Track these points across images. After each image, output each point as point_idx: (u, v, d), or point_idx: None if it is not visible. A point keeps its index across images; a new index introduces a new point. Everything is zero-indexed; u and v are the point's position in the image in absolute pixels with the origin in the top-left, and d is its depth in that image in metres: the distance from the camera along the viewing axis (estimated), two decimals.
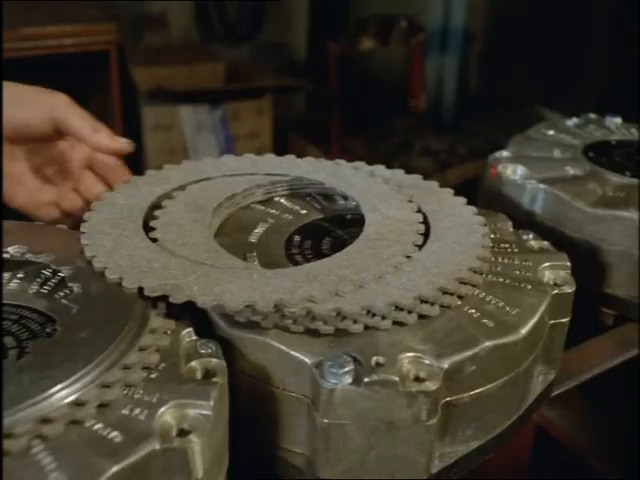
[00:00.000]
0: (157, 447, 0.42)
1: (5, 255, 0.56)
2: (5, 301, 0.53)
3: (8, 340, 0.49)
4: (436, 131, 2.93)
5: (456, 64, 3.17)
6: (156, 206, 0.64)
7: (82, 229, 0.59)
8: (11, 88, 0.66)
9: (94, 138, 0.65)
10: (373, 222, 0.62)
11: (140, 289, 0.51)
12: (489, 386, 0.54)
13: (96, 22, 2.05)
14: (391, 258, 0.57)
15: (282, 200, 0.70)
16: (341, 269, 0.55)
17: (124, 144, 0.66)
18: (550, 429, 0.86)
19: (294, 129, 2.79)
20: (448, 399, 0.52)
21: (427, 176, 0.72)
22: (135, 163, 2.43)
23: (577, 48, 2.64)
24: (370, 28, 2.69)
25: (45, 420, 0.41)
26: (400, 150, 2.70)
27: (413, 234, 0.60)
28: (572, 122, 0.98)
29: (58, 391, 0.42)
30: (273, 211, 0.68)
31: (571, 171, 0.83)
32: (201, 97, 2.46)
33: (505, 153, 0.88)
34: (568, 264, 0.63)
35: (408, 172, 0.72)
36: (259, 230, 0.65)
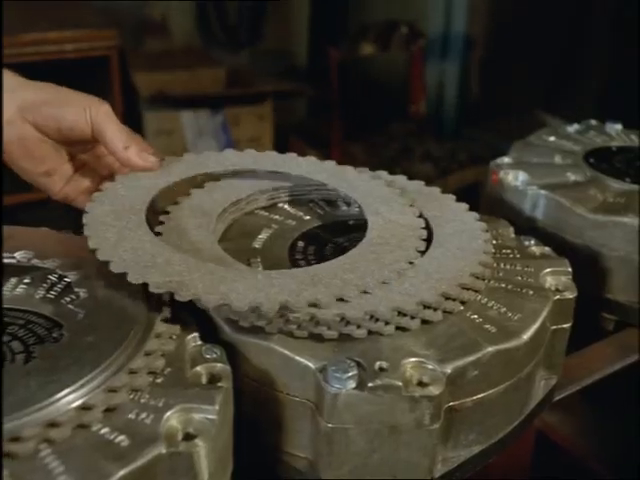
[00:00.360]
0: (163, 451, 0.42)
1: (11, 260, 0.56)
2: (12, 306, 0.53)
3: (15, 345, 0.49)
4: (436, 137, 2.94)
5: (456, 70, 3.17)
6: (156, 199, 0.64)
7: (84, 220, 0.58)
8: (61, 91, 0.68)
9: (123, 154, 0.66)
10: (376, 226, 0.62)
11: (145, 285, 0.51)
12: (491, 391, 0.54)
13: (97, 27, 2.06)
14: (394, 264, 0.57)
15: (285, 206, 0.71)
16: (345, 273, 0.55)
17: (151, 163, 0.67)
18: (551, 434, 0.86)
19: (295, 134, 2.80)
20: (451, 404, 0.52)
21: (428, 182, 0.72)
22: None
23: (577, 49, 2.65)
24: (371, 34, 2.69)
25: (52, 424, 0.41)
26: (401, 156, 2.70)
27: (415, 239, 0.61)
28: (573, 128, 0.99)
29: (65, 395, 0.43)
30: (277, 217, 0.69)
31: (572, 177, 0.83)
32: (202, 102, 2.47)
33: (506, 159, 0.88)
34: (569, 270, 0.64)
35: (409, 178, 0.72)
36: (263, 236, 0.65)
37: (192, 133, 2.44)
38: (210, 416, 0.45)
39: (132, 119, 2.34)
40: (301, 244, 0.65)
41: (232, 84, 2.63)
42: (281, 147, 2.67)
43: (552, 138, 0.95)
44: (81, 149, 0.71)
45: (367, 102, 2.82)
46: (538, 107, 2.70)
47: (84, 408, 0.43)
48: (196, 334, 0.51)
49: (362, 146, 2.64)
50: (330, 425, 0.49)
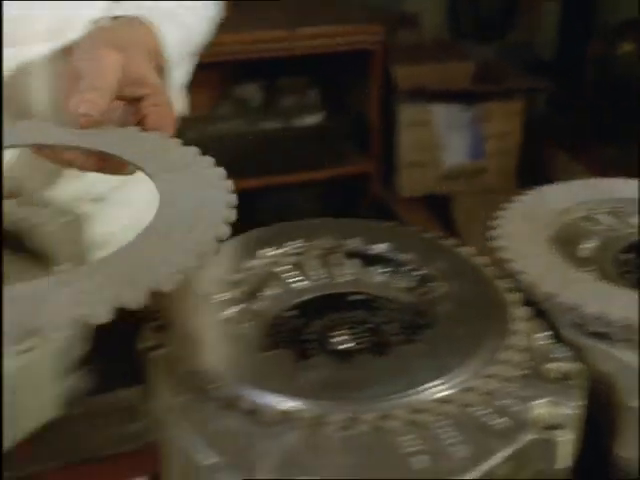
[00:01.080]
0: (536, 436, 0.48)
1: (372, 252, 0.64)
2: (379, 294, 0.61)
3: (390, 327, 0.57)
4: None
5: None
6: None
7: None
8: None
9: (71, 97, 0.58)
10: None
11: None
12: None
13: (365, 23, 2.16)
14: None
15: (605, 217, 0.73)
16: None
17: (81, 116, 0.56)
18: None
19: (543, 131, 2.76)
20: None
21: None
22: (389, 158, 2.50)
23: None
24: (631, 32, 2.60)
25: (445, 401, 0.48)
26: None
27: None
28: None
29: (450, 378, 0.49)
30: (600, 227, 0.71)
31: None
32: (454, 96, 2.51)
33: None
34: None
35: None
36: (589, 245, 0.69)
37: (444, 126, 2.50)
38: (571, 411, 0.50)
39: (387, 110, 2.44)
40: (628, 256, 0.68)
41: (481, 78, 2.66)
42: (529, 143, 2.65)
43: None
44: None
45: (622, 103, 2.72)
46: None
47: (466, 390, 0.49)
48: (548, 333, 0.56)
49: (614, 148, 2.56)
50: None
